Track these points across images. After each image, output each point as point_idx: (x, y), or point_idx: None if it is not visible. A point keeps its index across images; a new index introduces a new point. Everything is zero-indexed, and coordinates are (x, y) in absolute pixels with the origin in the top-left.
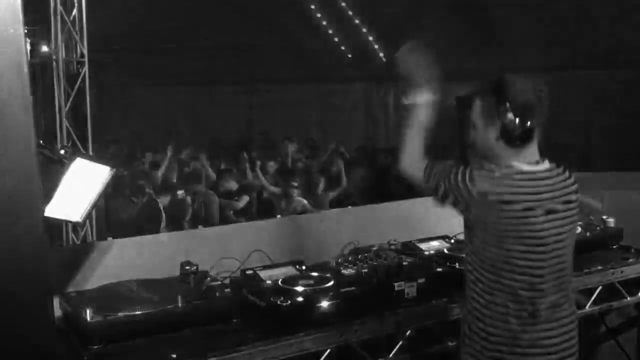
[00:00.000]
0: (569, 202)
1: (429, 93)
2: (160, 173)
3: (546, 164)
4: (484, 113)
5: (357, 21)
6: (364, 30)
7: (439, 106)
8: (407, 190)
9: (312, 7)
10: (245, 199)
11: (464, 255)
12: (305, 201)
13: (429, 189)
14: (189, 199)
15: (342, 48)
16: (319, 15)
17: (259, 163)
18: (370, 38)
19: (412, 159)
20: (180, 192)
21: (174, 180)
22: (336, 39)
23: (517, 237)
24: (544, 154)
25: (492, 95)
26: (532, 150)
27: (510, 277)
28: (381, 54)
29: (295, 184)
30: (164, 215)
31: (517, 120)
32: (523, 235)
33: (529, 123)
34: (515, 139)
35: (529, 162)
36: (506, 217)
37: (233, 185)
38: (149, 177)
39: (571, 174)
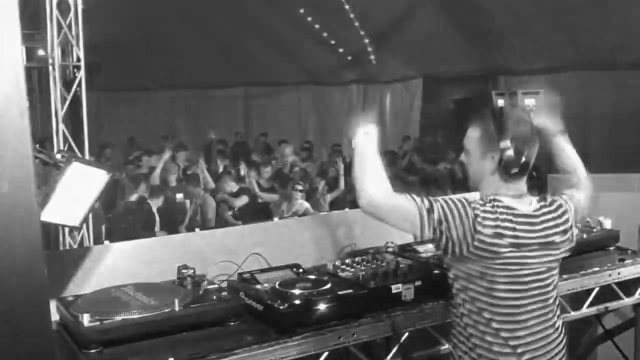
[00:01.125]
0: (554, 241)
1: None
2: (157, 172)
3: (534, 203)
4: (482, 143)
5: (356, 24)
6: (361, 32)
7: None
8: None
9: (302, 10)
10: (244, 198)
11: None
12: (307, 204)
13: (420, 223)
14: (187, 202)
15: (340, 50)
16: (311, 18)
17: (253, 174)
18: (366, 40)
19: (380, 188)
20: (179, 196)
21: (173, 184)
22: (333, 42)
23: (501, 269)
24: (532, 190)
25: (493, 127)
26: (520, 186)
27: (493, 311)
28: (372, 57)
29: (300, 187)
30: (157, 218)
31: (517, 156)
32: (508, 267)
33: (526, 158)
34: (513, 172)
35: (513, 196)
36: (495, 253)
37: (233, 186)
38: (147, 180)
39: (559, 206)
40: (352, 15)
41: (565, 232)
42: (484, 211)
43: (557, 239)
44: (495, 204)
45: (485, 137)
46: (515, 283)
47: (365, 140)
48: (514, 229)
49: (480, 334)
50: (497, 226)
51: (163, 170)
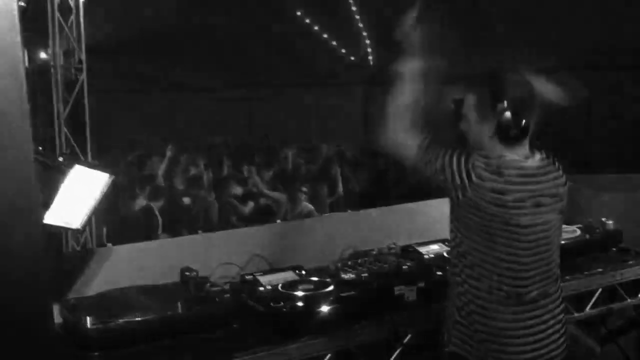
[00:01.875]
0: (556, 195)
1: (421, 62)
2: (161, 172)
3: (537, 158)
4: (478, 108)
5: (359, 25)
6: (364, 33)
7: (434, 100)
8: (408, 193)
9: (299, 13)
10: (250, 205)
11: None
12: (311, 206)
13: (421, 160)
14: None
15: (343, 51)
16: (314, 19)
17: (254, 169)
18: (367, 42)
19: (401, 126)
20: (186, 199)
21: (180, 186)
22: (334, 42)
23: (504, 224)
24: (534, 145)
25: (488, 91)
26: (523, 146)
27: (495, 263)
28: (370, 57)
29: (305, 190)
30: (160, 220)
31: (514, 119)
32: (510, 223)
33: (524, 121)
34: (511, 137)
35: (519, 156)
36: (496, 205)
37: (238, 190)
38: (153, 182)
39: (559, 166)
40: (357, 17)
41: (565, 185)
42: (487, 163)
43: (560, 190)
44: (500, 159)
45: (482, 101)
46: (518, 237)
47: (405, 76)
48: (517, 184)
49: (479, 287)
50: (501, 179)
51: (167, 172)
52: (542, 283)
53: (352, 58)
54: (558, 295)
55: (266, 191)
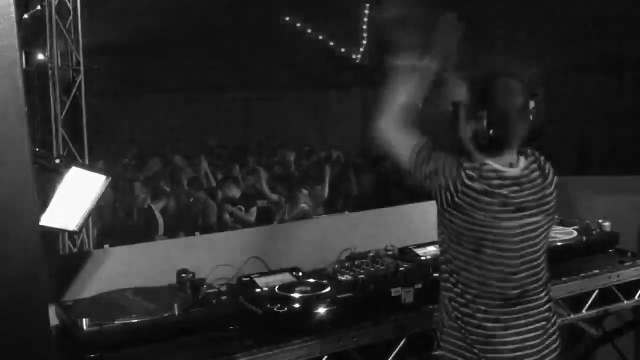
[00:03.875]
0: (542, 199)
1: (429, 60)
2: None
3: (521, 164)
4: (465, 110)
5: (356, 27)
6: (362, 36)
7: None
8: (409, 196)
9: (288, 19)
10: (253, 212)
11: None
12: (307, 207)
13: (414, 164)
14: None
15: (342, 52)
16: (311, 22)
17: (250, 177)
18: (364, 42)
19: (398, 124)
20: (192, 200)
21: (186, 187)
22: (331, 43)
23: (491, 229)
24: (522, 151)
25: (474, 94)
26: (506, 157)
27: (482, 267)
28: (366, 61)
29: (305, 192)
30: (161, 223)
31: (488, 129)
32: (496, 227)
33: (498, 134)
34: (484, 145)
35: (502, 165)
36: (482, 211)
37: (236, 192)
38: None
39: (549, 168)
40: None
41: (553, 186)
42: (473, 168)
43: (547, 192)
44: (484, 167)
45: (468, 105)
46: (505, 242)
47: (418, 74)
48: (501, 189)
49: (467, 285)
50: (486, 184)
51: (174, 172)
52: (531, 287)
53: (354, 56)
54: (546, 298)
55: (268, 192)
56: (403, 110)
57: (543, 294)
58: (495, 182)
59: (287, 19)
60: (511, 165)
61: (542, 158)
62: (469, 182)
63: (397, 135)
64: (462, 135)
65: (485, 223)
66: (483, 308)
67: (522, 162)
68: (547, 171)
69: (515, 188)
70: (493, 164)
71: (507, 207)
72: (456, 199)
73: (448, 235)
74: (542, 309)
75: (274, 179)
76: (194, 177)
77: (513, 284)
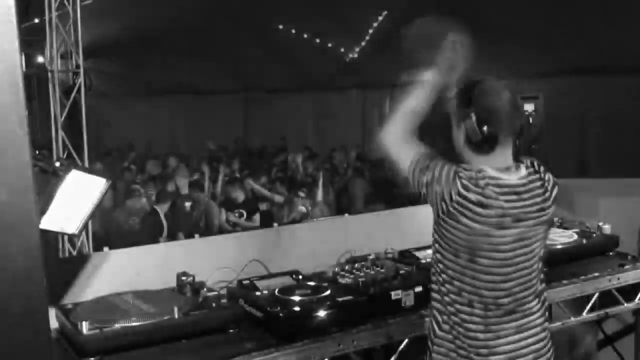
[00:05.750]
0: (541, 209)
1: (434, 73)
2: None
3: (522, 172)
4: (454, 113)
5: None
6: (361, 37)
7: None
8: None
9: (282, 26)
10: (256, 219)
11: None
12: (305, 210)
13: (412, 172)
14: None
15: (340, 52)
16: (311, 23)
17: (249, 181)
18: (363, 43)
19: (400, 132)
20: (187, 204)
21: (185, 190)
22: (330, 45)
23: (485, 237)
24: (519, 158)
25: (461, 97)
26: (500, 157)
27: (475, 276)
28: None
29: (303, 195)
30: (165, 225)
31: (478, 126)
32: (491, 235)
33: (489, 130)
34: (478, 145)
35: (498, 168)
36: (477, 222)
37: (240, 195)
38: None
39: (549, 178)
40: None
41: (552, 199)
42: (469, 178)
43: (546, 205)
44: (480, 174)
45: (457, 106)
46: (499, 250)
47: (419, 86)
48: (498, 199)
49: (460, 299)
50: (481, 195)
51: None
52: (522, 294)
53: (351, 56)
54: (539, 307)
55: (269, 194)
56: (405, 121)
57: (535, 302)
58: (491, 192)
59: (281, 27)
60: (508, 169)
61: (542, 169)
62: (464, 192)
63: (398, 145)
64: (456, 141)
65: (480, 232)
66: (475, 318)
67: (522, 170)
68: (547, 183)
69: (513, 197)
70: (489, 170)
71: (504, 218)
72: (450, 208)
73: (442, 245)
74: (533, 317)
75: (273, 181)
76: (195, 180)
77: (505, 292)
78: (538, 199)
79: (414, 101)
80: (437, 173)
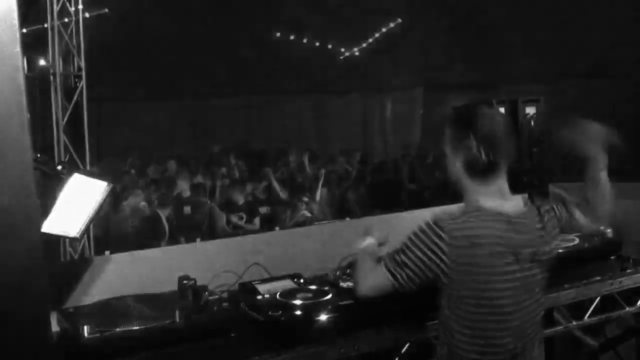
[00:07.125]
0: (545, 253)
1: (372, 240)
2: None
3: (520, 207)
4: (450, 143)
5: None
6: (363, 40)
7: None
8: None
9: (278, 34)
10: (256, 222)
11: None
12: (309, 214)
13: (397, 283)
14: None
15: (342, 58)
16: (312, 26)
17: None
18: (364, 45)
19: (367, 280)
20: (186, 208)
21: (187, 194)
22: (330, 46)
23: (486, 275)
24: (517, 193)
25: (458, 124)
26: (499, 186)
27: (480, 319)
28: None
29: (306, 199)
30: (167, 229)
31: (480, 151)
32: (491, 273)
33: (492, 155)
34: (478, 171)
35: (496, 198)
36: (473, 274)
37: (240, 198)
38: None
39: (549, 218)
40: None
41: (549, 237)
42: (450, 224)
43: (546, 249)
44: (475, 213)
45: (453, 136)
46: (504, 289)
47: (366, 250)
48: (495, 235)
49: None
50: (473, 235)
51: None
52: (528, 338)
53: (348, 53)
54: (539, 351)
55: (278, 190)
56: (367, 265)
57: (536, 345)
58: (491, 225)
59: (278, 34)
60: (503, 196)
61: (544, 209)
62: (451, 242)
63: (373, 288)
64: (452, 171)
65: (484, 271)
66: (476, 356)
67: (521, 202)
68: (548, 221)
69: (512, 227)
70: (487, 202)
71: (502, 254)
72: (447, 270)
73: (448, 298)
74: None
75: (278, 182)
76: (197, 183)
77: (509, 333)
78: (535, 234)
79: (367, 260)
80: (413, 256)
